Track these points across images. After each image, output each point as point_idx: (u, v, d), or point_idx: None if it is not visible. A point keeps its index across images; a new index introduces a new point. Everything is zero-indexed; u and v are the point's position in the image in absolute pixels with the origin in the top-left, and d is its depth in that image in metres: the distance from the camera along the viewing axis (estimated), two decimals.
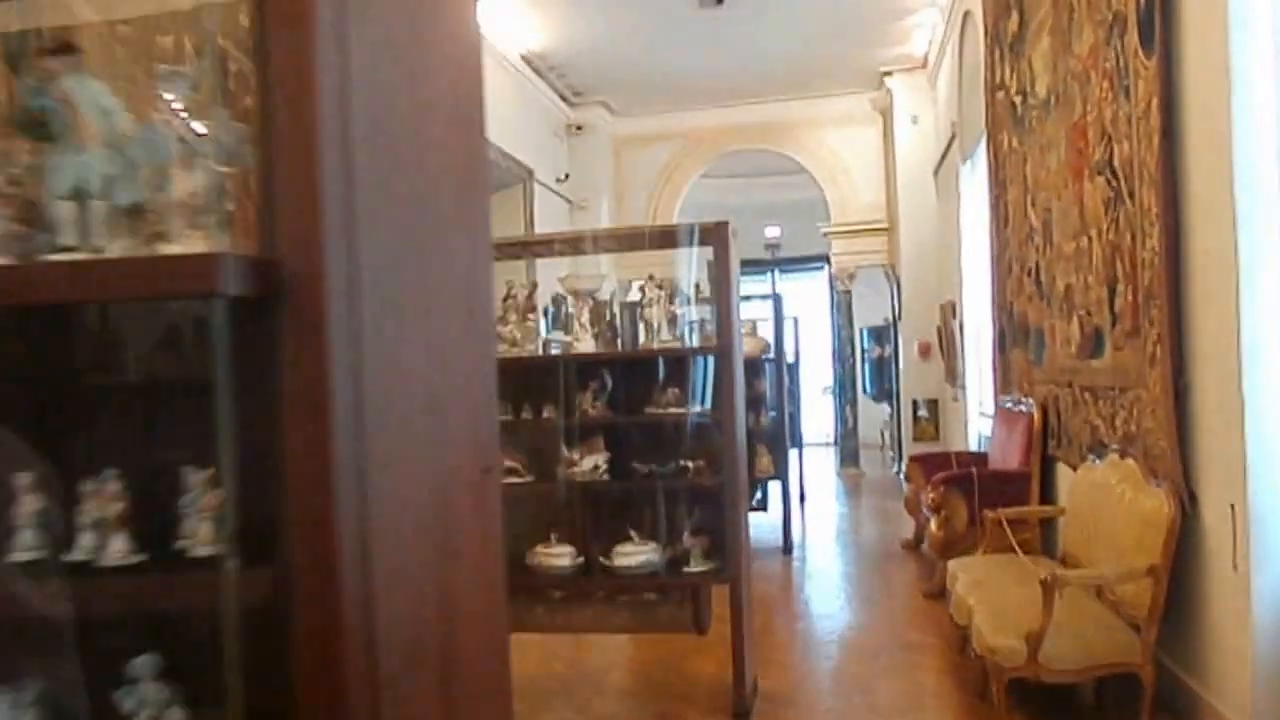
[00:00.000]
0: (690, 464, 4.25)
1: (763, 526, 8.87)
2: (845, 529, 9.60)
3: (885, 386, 14.38)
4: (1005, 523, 5.07)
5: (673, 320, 4.28)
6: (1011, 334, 7.53)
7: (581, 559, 4.27)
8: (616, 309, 4.37)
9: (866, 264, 13.28)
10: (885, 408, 14.43)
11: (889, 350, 13.86)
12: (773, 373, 8.33)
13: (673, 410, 4.24)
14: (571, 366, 4.30)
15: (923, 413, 12.08)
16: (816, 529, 9.57)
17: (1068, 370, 5.81)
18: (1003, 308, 7.83)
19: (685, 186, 13.57)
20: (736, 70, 11.56)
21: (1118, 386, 4.72)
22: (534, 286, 4.42)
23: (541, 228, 10.69)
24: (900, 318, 12.79)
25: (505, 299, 4.34)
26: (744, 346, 8.67)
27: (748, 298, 16.51)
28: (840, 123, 13.13)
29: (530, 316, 4.32)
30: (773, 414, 8.26)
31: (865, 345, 14.82)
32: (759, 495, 8.43)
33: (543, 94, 11.77)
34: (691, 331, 4.32)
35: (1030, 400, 6.66)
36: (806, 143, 13.30)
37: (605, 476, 4.29)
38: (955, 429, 10.83)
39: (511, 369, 4.46)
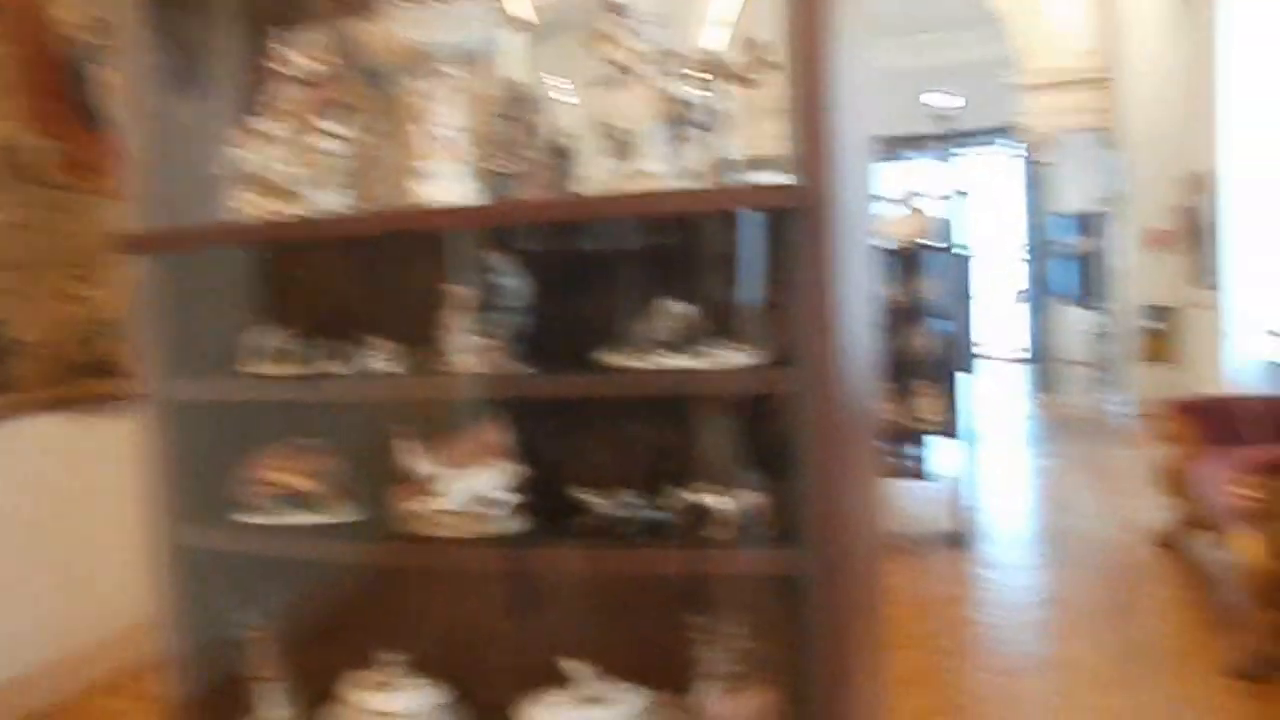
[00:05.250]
0: (720, 502, 1.60)
1: (919, 499, 6.01)
2: (1048, 499, 6.61)
3: (1093, 288, 11.18)
4: None
5: (684, 132, 1.59)
6: None
7: None
8: (523, 106, 1.69)
9: (1074, 128, 10.02)
10: (1095, 317, 11.24)
11: (1102, 241, 10.63)
12: (943, 269, 5.50)
13: (673, 362, 1.58)
14: (426, 247, 1.67)
15: (1153, 323, 8.94)
16: (1002, 500, 6.51)
17: None
18: None
19: None
20: None
21: None
22: (338, 55, 1.69)
23: None
24: (1122, 198, 9.60)
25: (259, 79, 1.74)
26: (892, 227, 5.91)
27: (898, 155, 13.28)
28: None
29: (320, 125, 1.67)
30: (943, 329, 5.48)
31: (1069, 236, 11.60)
32: (915, 456, 5.63)
33: None
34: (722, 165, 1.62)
35: None
36: None
37: (506, 527, 1.67)
38: (1206, 349, 7.71)
39: (286, 254, 1.87)
